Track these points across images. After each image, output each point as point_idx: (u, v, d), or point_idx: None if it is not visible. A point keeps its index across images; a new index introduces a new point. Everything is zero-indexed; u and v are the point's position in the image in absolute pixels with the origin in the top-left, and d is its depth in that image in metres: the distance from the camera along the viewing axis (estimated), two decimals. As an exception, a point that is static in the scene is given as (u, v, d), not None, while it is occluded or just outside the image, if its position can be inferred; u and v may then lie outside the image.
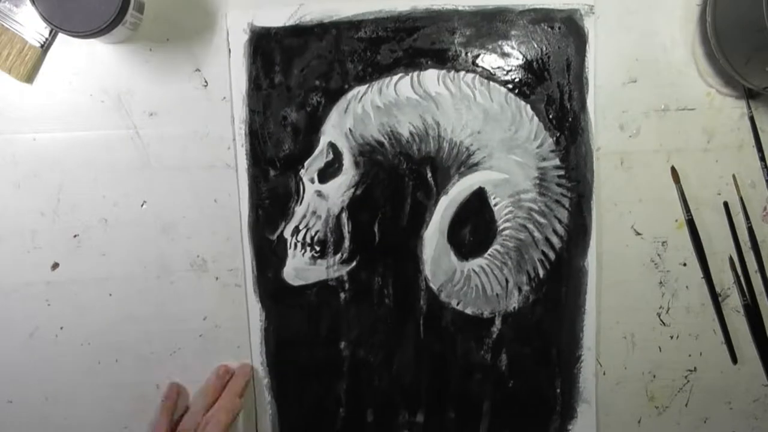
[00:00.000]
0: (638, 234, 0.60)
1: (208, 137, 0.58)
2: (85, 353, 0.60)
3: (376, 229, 0.59)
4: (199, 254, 0.59)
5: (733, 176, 0.60)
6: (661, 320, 0.61)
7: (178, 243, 0.59)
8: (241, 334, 0.60)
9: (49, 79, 0.57)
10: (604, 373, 0.62)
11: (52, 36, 0.56)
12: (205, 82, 0.58)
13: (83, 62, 0.57)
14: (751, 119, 0.60)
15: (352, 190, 0.58)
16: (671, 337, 0.61)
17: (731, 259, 0.61)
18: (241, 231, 0.59)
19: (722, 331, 0.62)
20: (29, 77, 0.57)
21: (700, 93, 0.60)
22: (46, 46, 0.56)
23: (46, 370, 0.60)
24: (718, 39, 0.56)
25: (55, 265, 0.59)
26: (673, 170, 0.60)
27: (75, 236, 0.59)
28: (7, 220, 0.58)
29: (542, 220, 0.59)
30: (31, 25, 0.55)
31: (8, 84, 0.57)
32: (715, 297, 0.61)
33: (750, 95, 0.59)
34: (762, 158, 0.60)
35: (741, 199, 0.60)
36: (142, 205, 0.59)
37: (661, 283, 0.61)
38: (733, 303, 0.61)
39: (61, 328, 0.60)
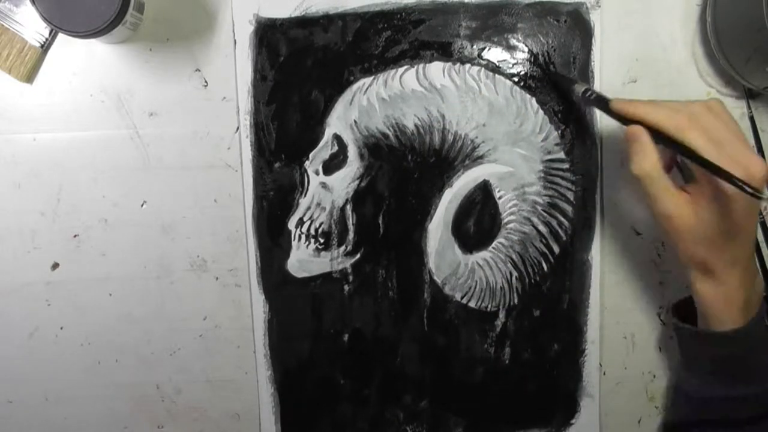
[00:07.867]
0: (638, 234, 0.60)
1: (208, 137, 0.58)
2: (85, 353, 0.60)
3: (380, 222, 0.59)
4: (199, 254, 0.59)
5: None
6: (661, 320, 0.61)
7: (178, 243, 0.59)
8: (241, 333, 0.60)
9: (49, 79, 0.57)
10: (604, 373, 0.62)
11: (52, 36, 0.56)
12: (205, 82, 0.58)
13: (83, 62, 0.57)
14: (751, 119, 0.59)
15: (357, 182, 0.58)
16: (671, 337, 0.61)
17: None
18: (245, 223, 0.59)
19: (722, 331, 0.62)
20: (29, 77, 0.57)
21: (700, 93, 0.59)
22: (46, 46, 0.56)
23: (46, 370, 0.60)
24: (718, 39, 0.56)
25: (55, 265, 0.59)
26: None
27: (75, 236, 0.59)
28: (7, 220, 0.58)
29: (547, 214, 0.59)
30: (31, 25, 0.55)
31: (8, 84, 0.57)
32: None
33: (750, 95, 0.59)
34: (762, 158, 0.60)
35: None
36: (142, 205, 0.59)
37: (661, 283, 0.61)
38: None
39: (61, 328, 0.60)
